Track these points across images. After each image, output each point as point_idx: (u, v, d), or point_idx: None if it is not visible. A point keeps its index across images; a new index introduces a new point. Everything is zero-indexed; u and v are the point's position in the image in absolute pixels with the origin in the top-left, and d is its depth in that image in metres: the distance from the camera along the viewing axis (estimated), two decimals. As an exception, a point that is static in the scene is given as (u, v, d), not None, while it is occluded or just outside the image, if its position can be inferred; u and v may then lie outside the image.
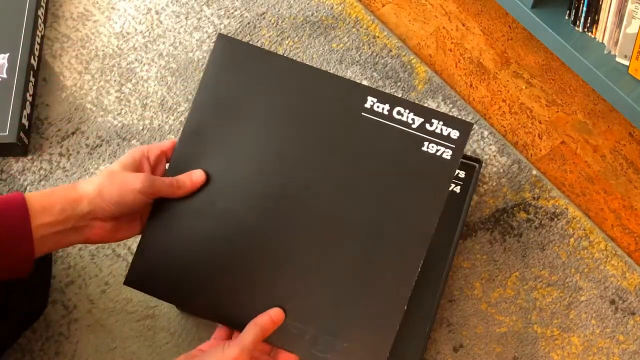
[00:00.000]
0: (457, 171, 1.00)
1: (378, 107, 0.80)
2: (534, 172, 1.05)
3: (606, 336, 0.96)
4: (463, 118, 1.09)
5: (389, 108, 0.80)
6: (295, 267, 0.80)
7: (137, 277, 0.82)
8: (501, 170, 1.06)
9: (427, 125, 0.80)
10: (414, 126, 0.80)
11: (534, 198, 1.04)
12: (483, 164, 1.05)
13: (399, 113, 0.80)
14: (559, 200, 1.03)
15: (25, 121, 1.07)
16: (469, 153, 1.06)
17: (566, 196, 1.05)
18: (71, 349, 0.96)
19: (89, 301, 0.99)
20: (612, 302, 0.98)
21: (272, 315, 0.77)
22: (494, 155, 1.06)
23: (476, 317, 0.97)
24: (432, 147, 0.79)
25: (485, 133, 1.08)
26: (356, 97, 0.81)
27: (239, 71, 0.83)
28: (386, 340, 0.78)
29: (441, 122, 0.79)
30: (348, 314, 0.79)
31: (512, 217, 1.02)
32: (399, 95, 1.10)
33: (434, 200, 0.79)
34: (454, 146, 0.79)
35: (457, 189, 0.99)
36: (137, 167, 0.79)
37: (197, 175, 0.81)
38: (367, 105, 0.81)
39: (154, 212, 0.81)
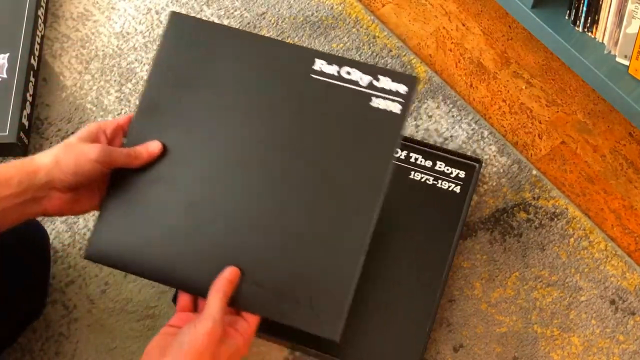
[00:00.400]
0: (457, 171, 1.00)
1: (327, 68, 0.83)
2: (534, 172, 1.05)
3: (606, 336, 0.96)
4: (463, 118, 1.09)
5: (337, 69, 0.83)
6: (252, 229, 0.81)
7: (97, 251, 0.82)
8: (501, 170, 1.06)
9: (375, 82, 0.82)
10: (362, 84, 0.82)
11: (534, 198, 1.04)
12: (483, 164, 1.05)
13: (347, 72, 0.83)
14: (559, 200, 1.03)
15: (25, 121, 1.07)
16: (469, 153, 1.06)
17: (566, 196, 1.05)
18: (71, 349, 0.96)
19: (89, 301, 0.99)
20: (612, 302, 0.98)
21: (227, 275, 0.78)
22: (494, 155, 1.06)
23: (476, 317, 0.97)
24: (381, 102, 0.82)
25: (485, 133, 1.08)
26: (305, 60, 0.83)
27: (191, 45, 0.86)
28: (342, 300, 0.78)
29: (388, 78, 0.82)
30: (304, 272, 0.79)
31: (512, 217, 1.02)
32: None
33: (385, 152, 0.81)
34: (402, 100, 0.81)
35: (457, 189, 0.99)
36: (93, 139, 0.80)
37: (153, 146, 0.82)
38: (316, 67, 0.83)
39: (112, 184, 0.83)
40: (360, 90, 0.82)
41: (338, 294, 0.78)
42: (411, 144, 1.02)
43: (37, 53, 1.13)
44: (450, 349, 0.96)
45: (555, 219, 1.02)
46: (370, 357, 0.92)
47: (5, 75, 1.09)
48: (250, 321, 0.78)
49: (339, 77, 0.83)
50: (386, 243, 0.97)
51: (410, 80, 0.82)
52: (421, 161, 1.01)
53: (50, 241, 1.00)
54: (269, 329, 0.92)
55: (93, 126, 0.81)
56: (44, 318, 0.97)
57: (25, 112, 1.07)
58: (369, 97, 0.82)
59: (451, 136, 1.08)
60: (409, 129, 1.08)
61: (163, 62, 0.86)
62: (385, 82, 0.82)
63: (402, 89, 0.81)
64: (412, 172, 1.00)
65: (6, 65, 1.09)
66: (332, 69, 0.83)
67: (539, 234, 1.01)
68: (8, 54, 1.10)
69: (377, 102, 0.82)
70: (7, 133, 1.04)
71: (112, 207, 0.82)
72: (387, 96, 0.82)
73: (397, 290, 0.95)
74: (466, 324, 0.97)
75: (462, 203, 0.98)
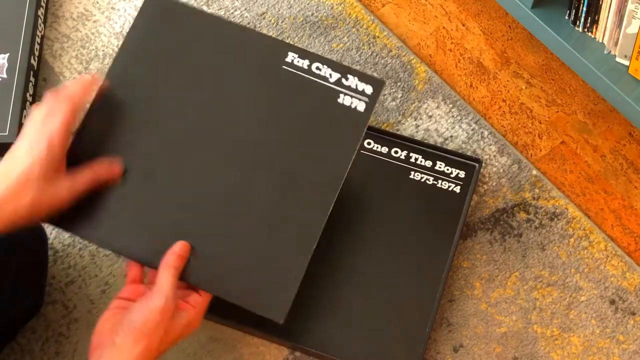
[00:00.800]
0: (457, 171, 1.00)
1: (298, 61, 0.85)
2: (534, 172, 1.05)
3: (606, 336, 0.96)
4: (463, 118, 1.09)
5: (308, 63, 0.85)
6: (207, 207, 0.82)
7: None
8: (501, 170, 1.06)
9: (344, 80, 0.85)
10: (331, 80, 0.85)
11: (534, 198, 1.04)
12: (483, 164, 1.05)
13: (317, 68, 0.85)
14: (559, 200, 1.03)
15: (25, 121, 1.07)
16: (469, 153, 1.06)
17: (566, 196, 1.05)
18: (71, 349, 0.96)
19: (89, 301, 0.99)
20: (612, 302, 0.98)
21: (177, 250, 0.78)
22: (494, 155, 1.06)
23: (476, 317, 0.97)
24: (347, 99, 0.84)
25: (485, 133, 1.08)
26: (278, 52, 0.86)
27: (166, 27, 0.87)
28: (290, 285, 0.79)
29: (356, 78, 0.85)
30: (255, 254, 0.80)
31: (512, 217, 1.02)
32: (400, 96, 1.11)
33: (347, 147, 0.83)
34: (367, 99, 0.84)
35: (457, 189, 0.99)
36: (58, 165, 0.79)
37: (113, 166, 0.83)
38: (288, 59, 0.85)
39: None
40: (329, 86, 0.85)
41: (287, 278, 0.79)
42: (411, 144, 1.02)
43: (37, 53, 1.13)
44: (450, 349, 0.96)
45: (555, 219, 1.02)
46: (370, 357, 0.92)
47: (5, 75, 1.09)
48: (202, 294, 0.79)
49: (309, 72, 0.85)
50: (386, 243, 0.97)
51: (377, 82, 0.84)
52: (421, 161, 1.01)
53: (50, 241, 1.00)
54: (269, 329, 0.92)
55: (57, 151, 0.79)
56: (44, 318, 0.97)
57: (25, 112, 1.07)
58: (336, 93, 0.84)
59: (451, 136, 1.08)
60: (409, 129, 1.08)
61: (134, 41, 0.87)
62: (353, 81, 0.85)
63: (369, 89, 0.84)
64: (412, 172, 1.00)
65: (6, 65, 1.09)
66: (303, 63, 0.85)
67: (539, 234, 1.01)
68: (8, 54, 1.10)
69: (344, 99, 0.84)
70: (7, 133, 1.04)
71: None
72: (353, 94, 0.84)
73: (397, 290, 0.95)
74: (466, 324, 0.97)
75: (462, 203, 0.98)
